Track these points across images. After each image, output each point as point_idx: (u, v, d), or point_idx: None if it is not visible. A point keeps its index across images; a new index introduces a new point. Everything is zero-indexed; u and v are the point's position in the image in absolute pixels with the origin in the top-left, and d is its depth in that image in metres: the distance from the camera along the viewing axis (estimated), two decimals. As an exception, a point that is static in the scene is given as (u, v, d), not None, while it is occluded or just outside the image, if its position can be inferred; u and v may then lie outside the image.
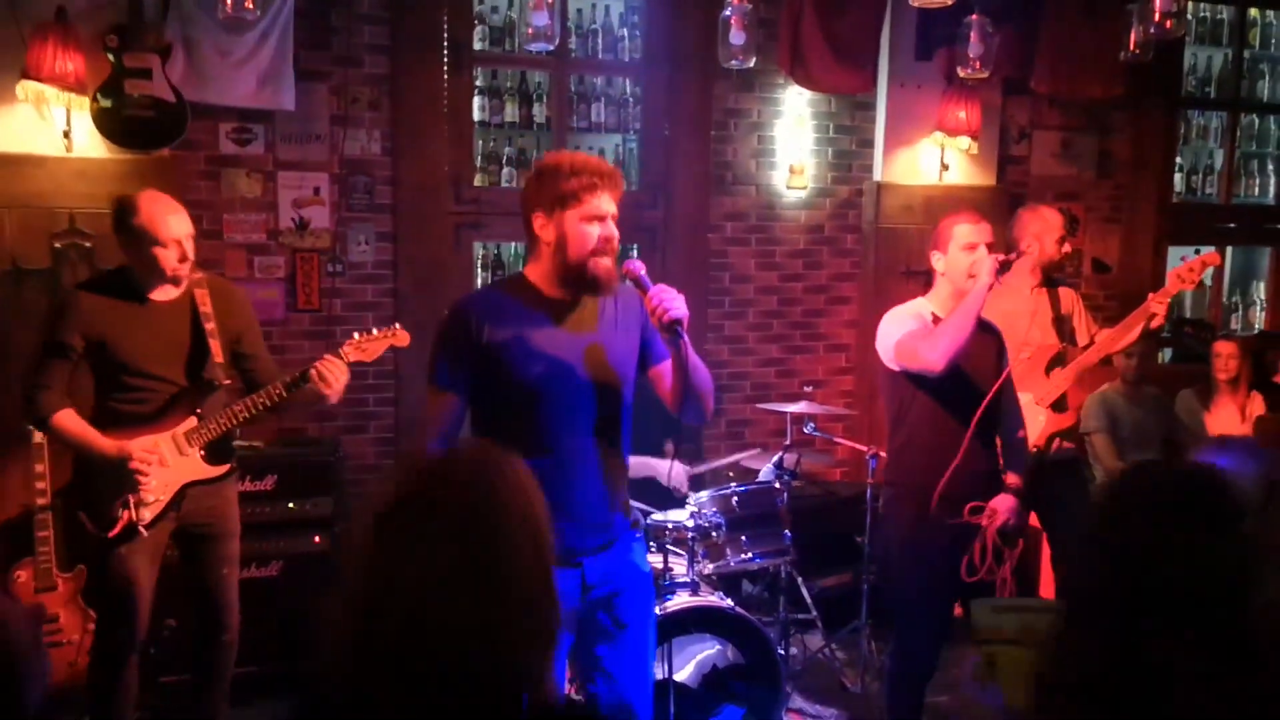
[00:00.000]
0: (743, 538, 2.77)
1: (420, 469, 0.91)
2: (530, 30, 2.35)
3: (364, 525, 0.87)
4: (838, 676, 3.13)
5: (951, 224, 2.35)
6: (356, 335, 2.25)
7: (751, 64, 2.71)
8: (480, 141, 3.72)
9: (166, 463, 2.23)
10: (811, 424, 3.31)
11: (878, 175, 3.96)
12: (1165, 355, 4.63)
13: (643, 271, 1.74)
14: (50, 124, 2.98)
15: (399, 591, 0.82)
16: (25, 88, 2.86)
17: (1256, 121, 4.68)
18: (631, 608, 1.84)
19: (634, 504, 1.98)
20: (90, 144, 3.03)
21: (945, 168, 3.96)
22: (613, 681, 1.82)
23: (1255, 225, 4.65)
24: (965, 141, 3.87)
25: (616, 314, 1.83)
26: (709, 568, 2.71)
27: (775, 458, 3.09)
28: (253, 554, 2.82)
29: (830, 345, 4.05)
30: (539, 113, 3.75)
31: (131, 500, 2.20)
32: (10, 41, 2.85)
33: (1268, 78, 4.63)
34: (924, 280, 2.48)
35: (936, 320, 2.33)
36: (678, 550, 2.70)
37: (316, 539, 2.98)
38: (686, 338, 1.70)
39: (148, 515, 2.22)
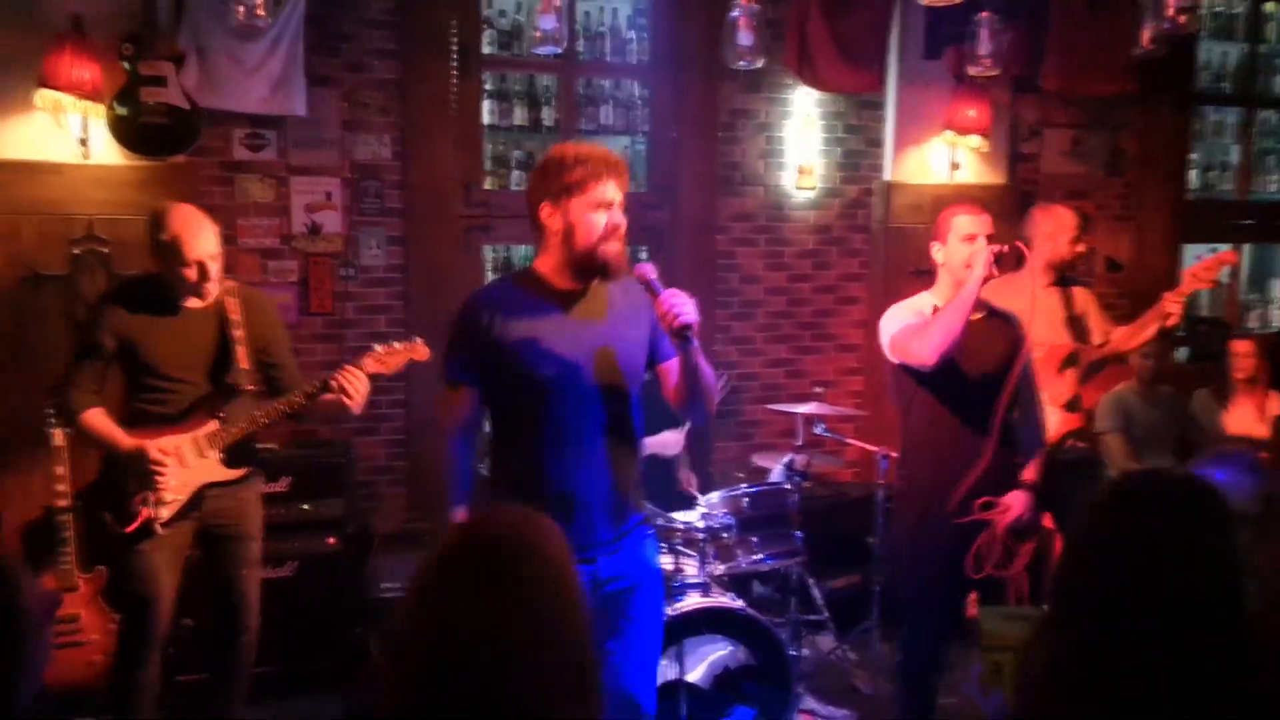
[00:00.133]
0: (753, 539, 2.78)
1: (463, 533, 0.92)
2: (538, 33, 2.37)
3: (419, 584, 0.89)
4: (849, 678, 3.12)
5: (951, 214, 2.33)
6: (378, 347, 2.27)
7: (759, 65, 2.71)
8: (489, 145, 3.74)
9: (187, 463, 2.28)
10: (822, 425, 3.31)
11: (887, 175, 3.95)
12: (1181, 354, 4.59)
13: (654, 275, 1.74)
14: (67, 132, 3.03)
15: (453, 650, 0.83)
16: (43, 96, 2.90)
17: (1273, 117, 4.63)
18: (641, 603, 1.85)
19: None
20: (106, 151, 3.07)
21: (955, 167, 3.94)
22: (619, 675, 1.83)
23: (1272, 222, 4.60)
24: (975, 140, 3.85)
25: (626, 307, 1.84)
26: (720, 569, 2.71)
27: (786, 459, 3.08)
28: (267, 555, 2.83)
29: (840, 346, 4.04)
30: (547, 116, 3.76)
31: (151, 498, 2.24)
32: (27, 51, 2.90)
33: (1283, 72, 4.59)
34: (933, 279, 2.47)
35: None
36: (688, 551, 2.70)
37: (330, 540, 3.00)
38: (697, 343, 1.71)
39: (165, 513, 2.26)
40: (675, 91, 3.76)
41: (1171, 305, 2.73)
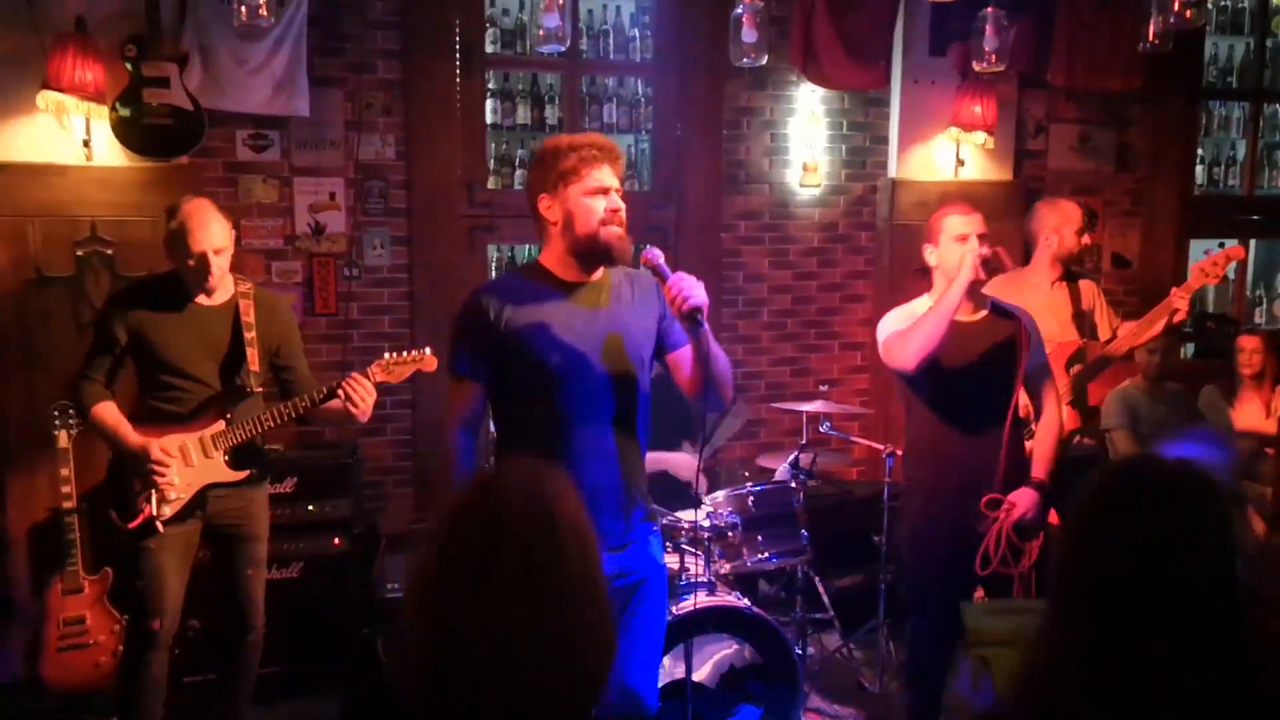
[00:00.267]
0: (759, 537, 2.77)
1: (475, 488, 0.91)
2: (542, 32, 2.36)
3: (427, 552, 0.87)
4: (855, 676, 3.12)
5: (942, 215, 2.31)
6: (386, 355, 2.28)
7: (763, 62, 2.70)
8: (493, 144, 3.73)
9: (192, 462, 2.29)
10: (827, 423, 3.30)
11: (892, 172, 3.94)
12: (1188, 350, 4.56)
13: (661, 260, 1.73)
14: (70, 133, 3.03)
15: (467, 618, 0.83)
16: (46, 98, 2.91)
17: (1280, 111, 4.61)
18: (646, 598, 1.85)
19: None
20: (110, 153, 3.07)
21: (961, 163, 3.92)
22: (621, 670, 1.83)
23: (1279, 217, 4.57)
24: (981, 136, 3.83)
25: (633, 296, 1.83)
26: (726, 567, 2.70)
27: (791, 457, 3.08)
28: (274, 555, 2.84)
29: (845, 343, 4.03)
30: (551, 115, 3.76)
31: (154, 496, 2.25)
32: (31, 52, 2.90)
33: (1291, 67, 4.56)
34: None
35: None
36: (694, 550, 2.69)
37: (336, 540, 3.01)
38: (707, 325, 1.70)
39: (168, 511, 2.27)
40: (679, 89, 3.75)
41: (1179, 301, 2.71)
